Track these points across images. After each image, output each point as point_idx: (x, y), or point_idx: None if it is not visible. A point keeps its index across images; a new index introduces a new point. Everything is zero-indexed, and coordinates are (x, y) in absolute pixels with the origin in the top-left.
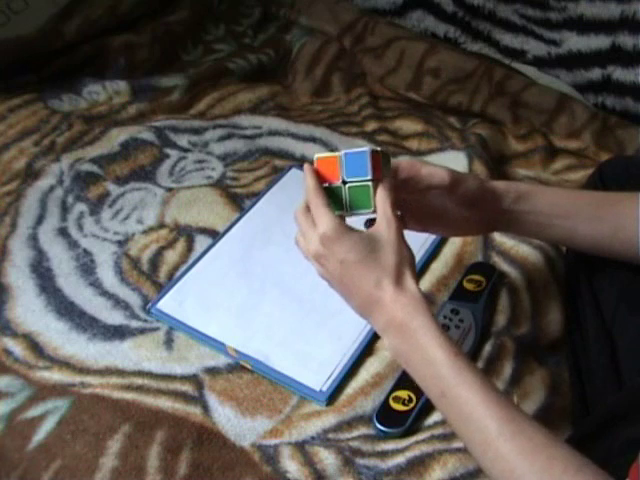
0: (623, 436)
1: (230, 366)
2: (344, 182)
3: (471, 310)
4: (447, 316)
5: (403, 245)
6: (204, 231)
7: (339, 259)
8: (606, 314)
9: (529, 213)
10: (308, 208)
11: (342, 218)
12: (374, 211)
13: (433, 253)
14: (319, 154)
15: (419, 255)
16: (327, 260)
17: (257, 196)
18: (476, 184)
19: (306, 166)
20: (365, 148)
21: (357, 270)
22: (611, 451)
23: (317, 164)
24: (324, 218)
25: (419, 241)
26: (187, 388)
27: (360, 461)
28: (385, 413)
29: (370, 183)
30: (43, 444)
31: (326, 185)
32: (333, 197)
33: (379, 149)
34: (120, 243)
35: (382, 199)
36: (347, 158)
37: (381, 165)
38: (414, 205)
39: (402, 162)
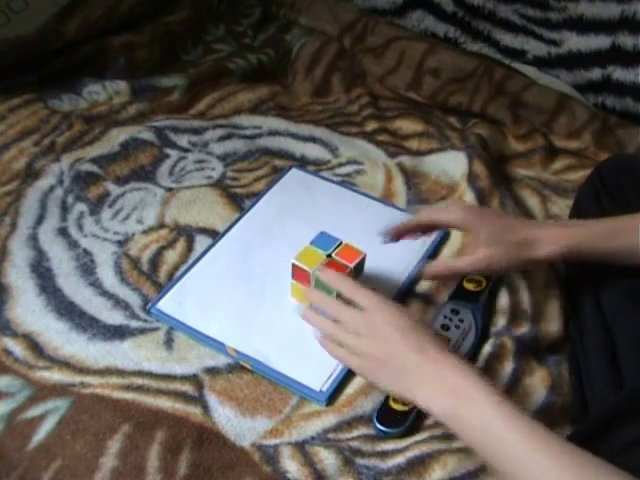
0: (623, 436)
1: (230, 366)
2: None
3: (471, 310)
4: (447, 316)
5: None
6: (204, 231)
7: (386, 321)
8: (607, 314)
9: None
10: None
11: None
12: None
13: (433, 253)
14: (295, 258)
15: (419, 256)
16: (370, 330)
17: (257, 196)
18: (507, 262)
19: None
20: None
21: (399, 339)
22: (611, 451)
23: (294, 265)
24: (361, 294)
25: (419, 241)
26: (187, 388)
27: (360, 461)
28: (385, 413)
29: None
30: (43, 444)
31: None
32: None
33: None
34: (120, 243)
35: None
36: (316, 285)
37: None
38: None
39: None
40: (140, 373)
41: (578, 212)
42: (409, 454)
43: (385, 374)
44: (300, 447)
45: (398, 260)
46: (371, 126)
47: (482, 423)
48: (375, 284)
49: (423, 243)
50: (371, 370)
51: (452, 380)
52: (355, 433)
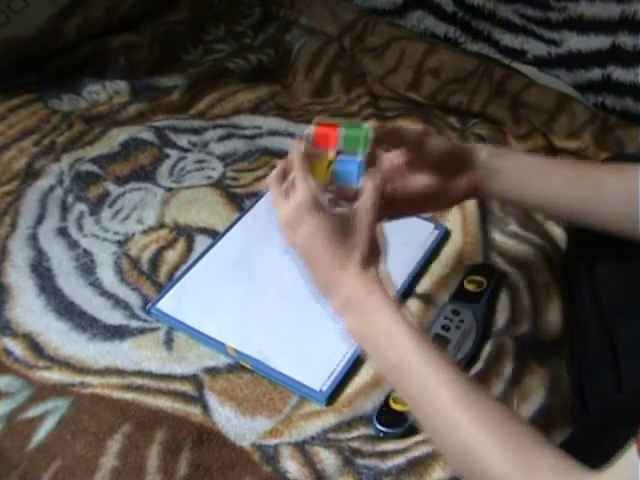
0: (624, 436)
1: (230, 366)
2: (338, 153)
3: (472, 311)
4: (448, 317)
5: (375, 240)
6: (204, 231)
7: (311, 231)
8: (607, 314)
9: (506, 169)
10: (283, 175)
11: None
12: (356, 192)
13: (433, 253)
14: (320, 118)
15: (419, 255)
16: (297, 229)
17: (257, 196)
18: (441, 140)
19: (302, 136)
20: (365, 126)
21: (325, 246)
22: (611, 451)
23: (316, 128)
24: (306, 185)
25: (419, 242)
26: (187, 388)
27: (360, 461)
28: (385, 413)
29: (362, 162)
30: (43, 444)
31: (316, 152)
32: (318, 166)
33: (373, 128)
34: (120, 243)
35: (370, 184)
36: (346, 133)
37: (375, 146)
38: (396, 191)
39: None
40: (140, 373)
41: None
42: (409, 454)
43: (311, 272)
44: (300, 447)
45: (398, 260)
46: None
47: (383, 337)
48: None
49: (423, 243)
50: (303, 260)
51: (359, 295)
52: (355, 433)
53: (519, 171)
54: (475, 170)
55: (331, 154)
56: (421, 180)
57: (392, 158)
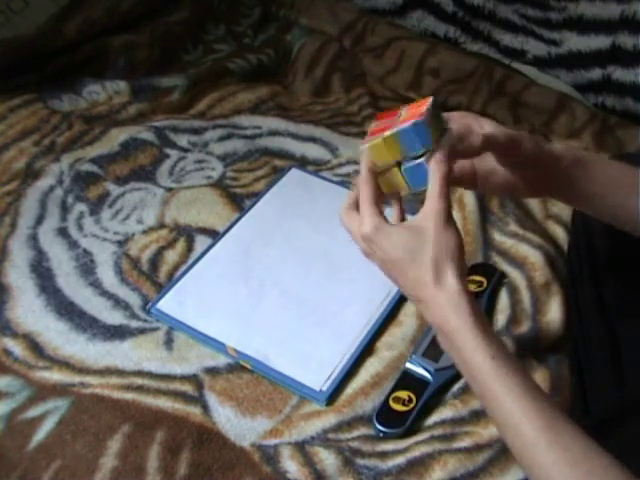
0: (624, 436)
1: (230, 366)
2: (398, 163)
3: None
4: None
5: (447, 234)
6: (204, 231)
7: (383, 258)
8: (610, 313)
9: (586, 181)
10: (355, 205)
11: (400, 198)
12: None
13: None
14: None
15: None
16: (374, 257)
17: (257, 196)
18: (532, 146)
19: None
20: (421, 119)
21: (397, 269)
22: (611, 451)
23: (375, 124)
24: (366, 216)
25: None
26: (187, 388)
27: (360, 461)
28: (385, 413)
29: (424, 160)
30: (43, 444)
31: (383, 166)
32: (391, 176)
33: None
34: (120, 243)
35: (433, 175)
36: (403, 134)
37: (436, 130)
38: (463, 167)
39: (454, 120)
40: (140, 373)
41: (582, 211)
42: (409, 454)
43: (398, 283)
44: (300, 447)
45: None
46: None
47: (465, 367)
48: (374, 284)
49: None
50: (386, 274)
51: (440, 318)
52: (355, 433)
53: (595, 184)
54: (553, 176)
55: (388, 134)
56: (489, 162)
57: (462, 131)
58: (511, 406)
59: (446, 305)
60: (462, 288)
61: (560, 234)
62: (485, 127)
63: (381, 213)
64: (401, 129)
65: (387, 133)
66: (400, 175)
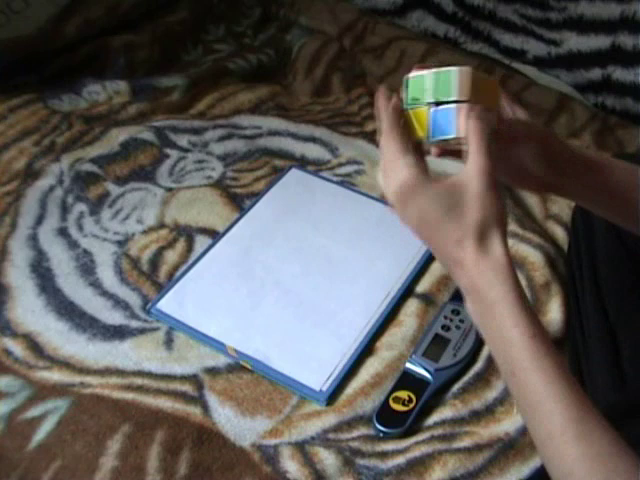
0: (624, 436)
1: (230, 366)
2: (428, 103)
3: None
4: (448, 316)
5: (493, 197)
6: (204, 231)
7: (418, 212)
8: (610, 312)
9: (595, 189)
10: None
11: (422, 146)
12: (459, 139)
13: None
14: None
15: (419, 256)
16: (406, 210)
17: (257, 196)
18: (566, 148)
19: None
20: (454, 68)
21: (437, 227)
22: None
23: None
24: (404, 164)
25: (418, 242)
26: (187, 388)
27: (360, 461)
28: (385, 413)
29: (454, 105)
30: (43, 444)
31: (406, 107)
32: (417, 119)
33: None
34: (120, 243)
35: (475, 129)
36: (436, 77)
37: (475, 87)
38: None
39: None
40: (140, 373)
41: (582, 211)
42: (409, 454)
43: (431, 249)
44: (300, 447)
45: (398, 260)
46: (371, 126)
47: (501, 340)
48: (374, 284)
49: (422, 244)
50: (420, 239)
51: (480, 285)
52: (355, 433)
53: (607, 193)
54: (563, 178)
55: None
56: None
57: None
58: (544, 390)
59: (490, 272)
60: (509, 258)
61: (560, 234)
62: (517, 113)
63: (419, 162)
64: (451, 69)
65: (438, 69)
66: (426, 117)
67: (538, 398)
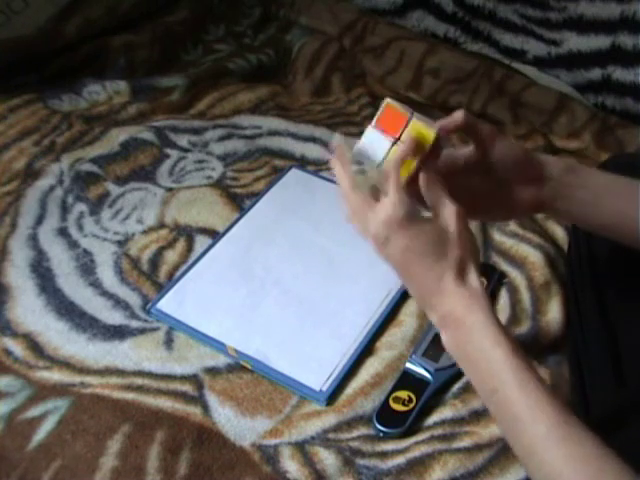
0: (624, 436)
1: (230, 366)
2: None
3: None
4: None
5: (469, 236)
6: (204, 231)
7: (403, 246)
8: (611, 312)
9: (578, 188)
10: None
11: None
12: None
13: None
14: (390, 100)
15: None
16: (389, 243)
17: (257, 196)
18: (516, 146)
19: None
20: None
21: (420, 261)
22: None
23: (386, 107)
24: (399, 199)
25: None
26: (187, 388)
27: (360, 461)
28: (385, 413)
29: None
30: (43, 444)
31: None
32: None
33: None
34: (120, 243)
35: (432, 186)
36: (417, 131)
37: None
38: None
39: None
40: (140, 373)
41: None
42: (409, 454)
43: (408, 285)
44: (300, 447)
45: None
46: None
47: (481, 360)
48: (374, 284)
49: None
50: (397, 273)
51: (459, 312)
52: (355, 433)
53: (589, 192)
54: (544, 185)
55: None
56: (481, 183)
57: (455, 155)
58: (526, 400)
59: (468, 300)
60: (483, 288)
61: (560, 234)
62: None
63: (411, 199)
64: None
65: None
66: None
67: (519, 409)
